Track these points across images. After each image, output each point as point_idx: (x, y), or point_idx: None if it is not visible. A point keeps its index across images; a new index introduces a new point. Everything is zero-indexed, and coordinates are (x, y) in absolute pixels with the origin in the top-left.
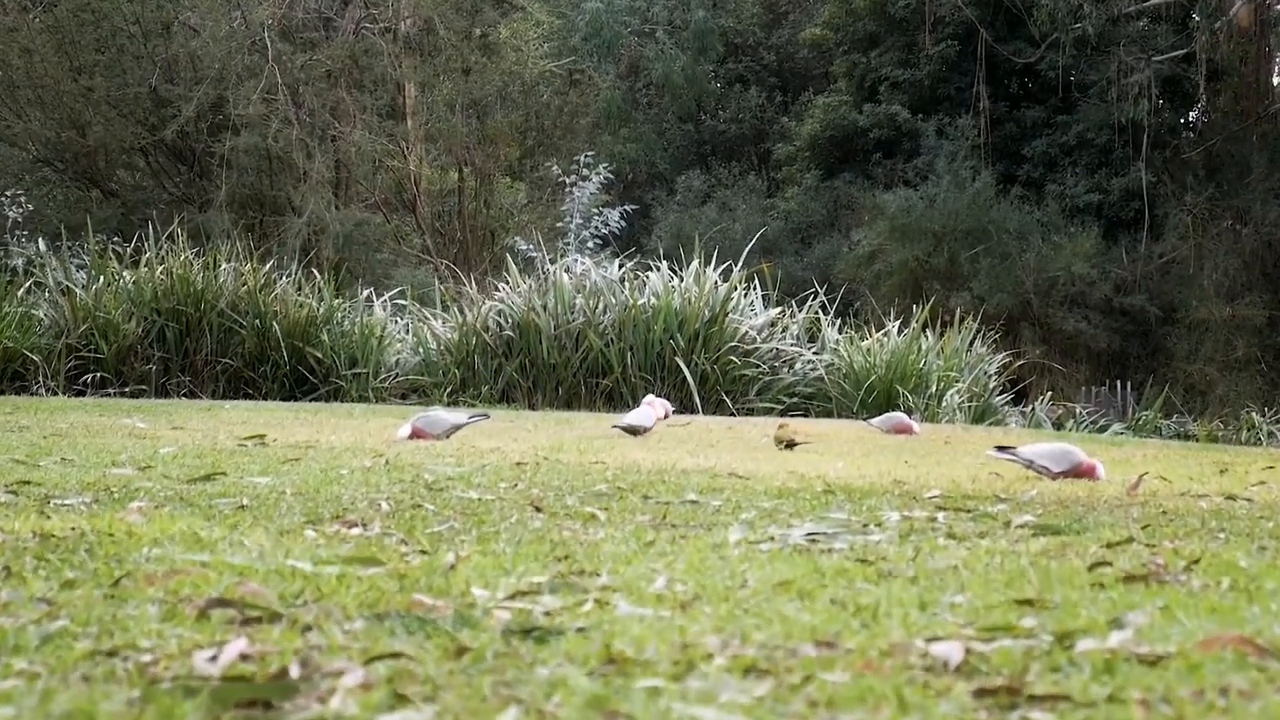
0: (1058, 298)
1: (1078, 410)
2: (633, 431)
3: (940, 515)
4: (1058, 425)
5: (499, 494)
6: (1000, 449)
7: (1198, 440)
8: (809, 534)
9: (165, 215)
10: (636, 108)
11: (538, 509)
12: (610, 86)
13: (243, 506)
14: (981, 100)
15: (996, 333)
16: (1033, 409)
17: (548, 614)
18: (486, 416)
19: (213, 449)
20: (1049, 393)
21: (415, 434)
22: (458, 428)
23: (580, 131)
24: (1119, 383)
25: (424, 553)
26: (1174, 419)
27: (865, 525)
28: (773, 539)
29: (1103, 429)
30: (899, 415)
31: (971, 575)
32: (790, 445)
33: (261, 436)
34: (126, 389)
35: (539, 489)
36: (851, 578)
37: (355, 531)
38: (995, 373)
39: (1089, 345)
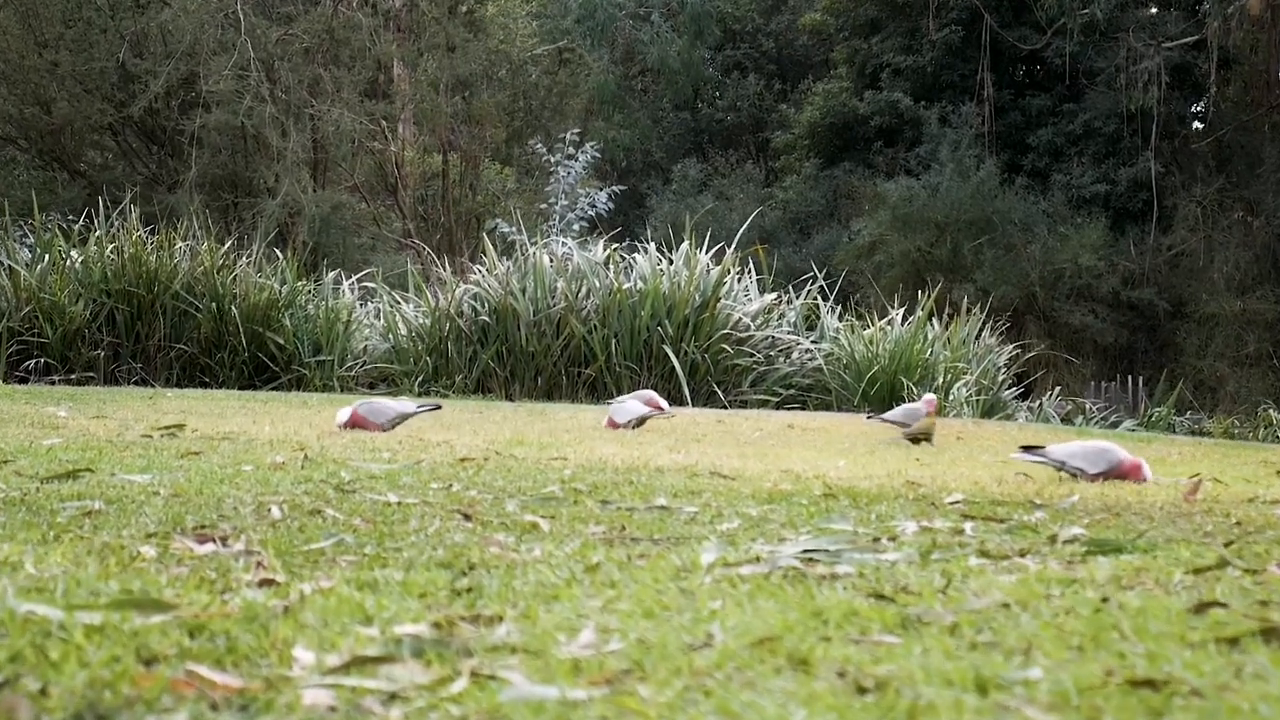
0: (1064, 290)
1: (1087, 406)
2: (641, 423)
3: (968, 526)
4: (1066, 420)
5: (425, 497)
6: (1026, 449)
7: (1212, 436)
8: (804, 552)
9: (134, 197)
10: (631, 94)
11: (466, 517)
12: (604, 71)
13: (90, 512)
14: (986, 88)
15: (1005, 323)
16: (1040, 404)
17: (392, 697)
18: (438, 407)
19: (109, 441)
20: (1057, 388)
21: (356, 423)
22: (405, 417)
23: (570, 113)
24: (1127, 378)
25: (269, 583)
26: (1187, 415)
27: (876, 540)
28: (758, 559)
29: (1114, 425)
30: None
31: (1033, 622)
32: (920, 440)
33: (179, 427)
34: (73, 376)
35: (478, 490)
36: (865, 625)
37: (206, 549)
38: (1005, 365)
39: (1096, 339)
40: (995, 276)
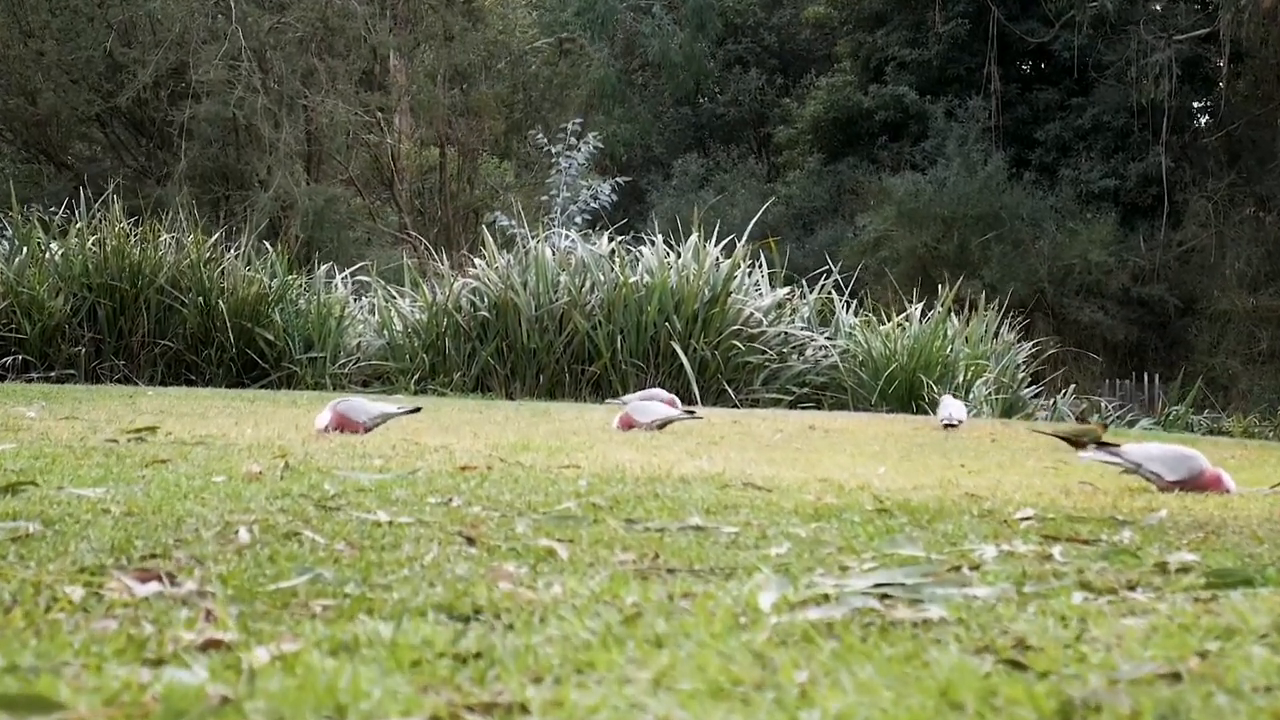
0: (1073, 287)
1: (1102, 404)
2: (664, 425)
3: (1055, 551)
4: (1081, 419)
5: (421, 515)
6: (1100, 446)
7: (1231, 436)
8: (877, 586)
9: (117, 188)
10: (632, 88)
11: (470, 540)
12: (605, 64)
13: (20, 537)
14: (993, 81)
15: (1024, 319)
16: (1054, 402)
17: None
18: (418, 410)
19: (68, 447)
20: (1073, 385)
21: (339, 424)
22: (386, 417)
23: (571, 105)
24: (1137, 375)
25: (215, 646)
26: (1205, 414)
27: (955, 569)
28: (827, 597)
29: (1131, 424)
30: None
31: (1233, 703)
32: (1087, 444)
33: (152, 430)
34: (52, 374)
35: (482, 506)
36: (1015, 713)
37: (148, 590)
38: (1024, 362)
39: (1105, 336)
40: (1003, 273)
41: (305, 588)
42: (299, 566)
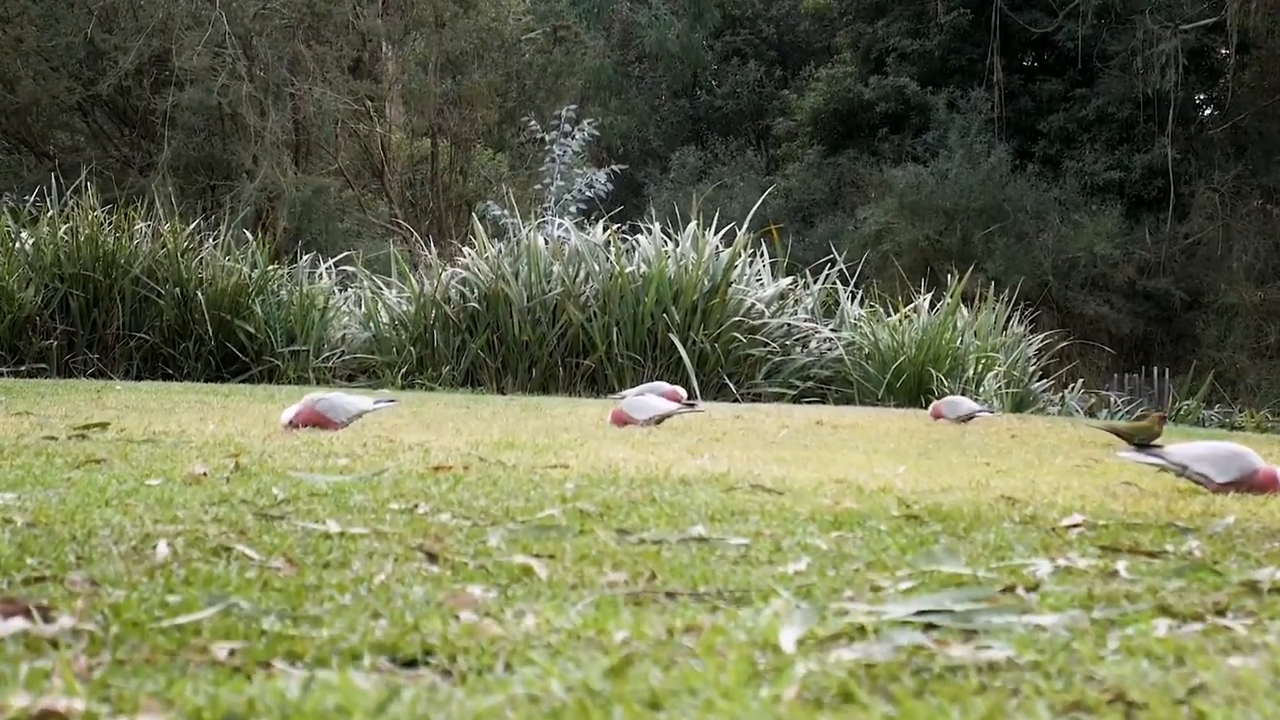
0: (1078, 280)
1: (1111, 399)
2: (661, 420)
3: (1120, 566)
4: (1090, 414)
5: (380, 524)
6: (1140, 447)
7: (1244, 431)
8: (922, 614)
9: (90, 174)
10: (628, 80)
11: (431, 556)
12: (600, 55)
13: None
14: (995, 72)
15: (1035, 311)
16: (1062, 397)
17: None
18: (393, 401)
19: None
20: (1079, 379)
21: (312, 421)
22: (362, 413)
23: (565, 95)
24: (1150, 370)
25: None
26: (1216, 409)
27: (1010, 589)
28: (863, 630)
29: (1141, 419)
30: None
31: None
32: (1146, 441)
33: (102, 426)
34: (22, 368)
35: (451, 514)
36: None
37: (8, 627)
38: (1034, 355)
39: (1111, 330)
40: (1007, 266)
41: (213, 623)
42: (211, 594)
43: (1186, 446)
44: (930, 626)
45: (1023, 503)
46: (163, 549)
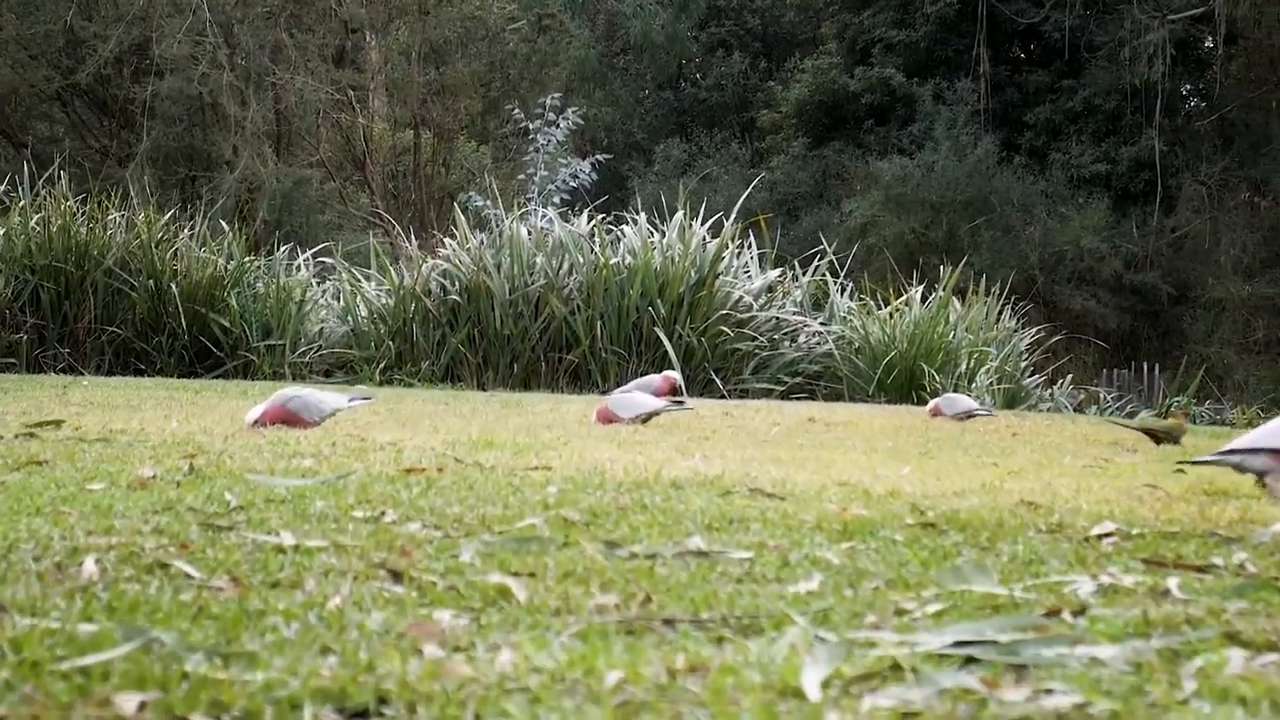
0: (1064, 274)
1: (1101, 394)
2: (648, 418)
3: (1172, 584)
4: (1079, 410)
5: (340, 534)
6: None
7: (1235, 427)
8: (959, 645)
9: (63, 162)
10: (613, 71)
11: (395, 575)
12: (585, 45)
13: None
14: (982, 63)
15: (1026, 304)
16: (1051, 393)
17: None
18: (369, 399)
19: None
20: (1069, 375)
21: (281, 419)
22: (336, 411)
23: (550, 85)
24: (1140, 365)
25: None
26: (1207, 405)
27: (1055, 612)
28: (896, 669)
29: (1131, 415)
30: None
31: None
32: (1163, 441)
33: (56, 424)
34: None
35: (421, 523)
36: None
37: None
38: (1026, 350)
39: (1098, 325)
40: (993, 259)
41: (126, 664)
42: (130, 627)
43: (1253, 435)
44: (970, 660)
45: (1045, 509)
46: (89, 566)
